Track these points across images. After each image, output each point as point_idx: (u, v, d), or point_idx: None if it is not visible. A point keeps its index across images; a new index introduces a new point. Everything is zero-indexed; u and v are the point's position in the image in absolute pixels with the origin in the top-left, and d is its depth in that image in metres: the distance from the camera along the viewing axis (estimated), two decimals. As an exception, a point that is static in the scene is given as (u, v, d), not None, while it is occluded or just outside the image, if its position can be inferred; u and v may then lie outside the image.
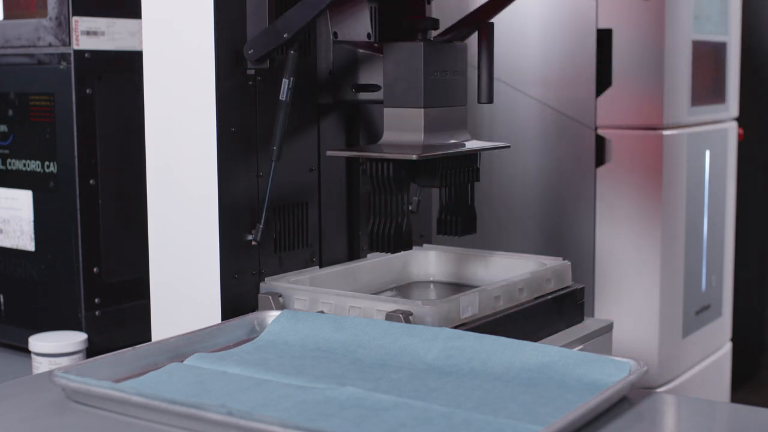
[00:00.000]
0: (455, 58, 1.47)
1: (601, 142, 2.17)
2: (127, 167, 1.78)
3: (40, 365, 1.66)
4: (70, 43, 1.74)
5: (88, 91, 1.75)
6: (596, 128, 2.16)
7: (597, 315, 2.15)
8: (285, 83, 1.40)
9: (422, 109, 1.41)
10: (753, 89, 2.97)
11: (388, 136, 1.44)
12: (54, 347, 1.66)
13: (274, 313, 1.32)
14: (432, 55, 1.42)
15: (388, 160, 1.40)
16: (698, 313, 2.33)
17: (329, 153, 1.46)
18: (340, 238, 1.62)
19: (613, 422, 1.00)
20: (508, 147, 1.55)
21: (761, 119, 3.17)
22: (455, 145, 1.46)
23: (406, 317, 1.29)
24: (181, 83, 1.43)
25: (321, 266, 1.57)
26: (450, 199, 1.51)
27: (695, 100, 2.25)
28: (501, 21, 1.51)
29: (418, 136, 1.42)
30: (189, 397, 1.02)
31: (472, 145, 1.48)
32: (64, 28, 1.74)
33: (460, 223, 1.51)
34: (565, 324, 1.53)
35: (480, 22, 1.45)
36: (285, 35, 1.38)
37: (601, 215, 2.16)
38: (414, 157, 1.36)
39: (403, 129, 1.43)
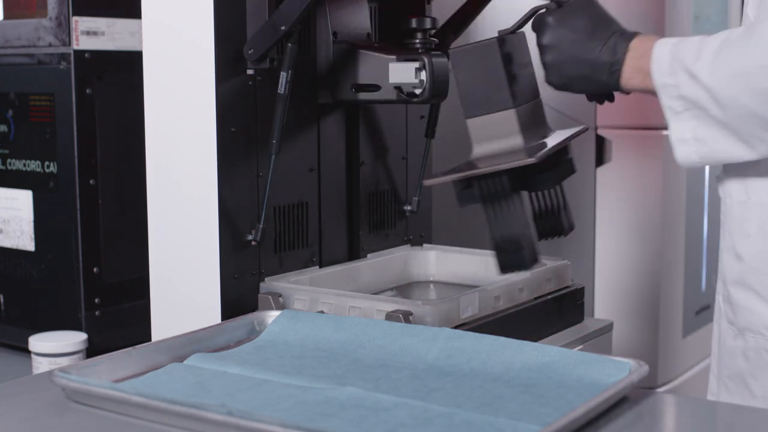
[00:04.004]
0: (522, 49, 1.38)
1: (601, 142, 2.17)
2: (127, 167, 1.78)
3: (40, 365, 1.66)
4: (70, 43, 1.73)
5: (88, 91, 1.75)
6: (596, 128, 2.16)
7: (597, 315, 2.15)
8: (283, 76, 1.40)
9: (514, 110, 1.32)
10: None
11: (480, 149, 1.33)
12: (54, 347, 1.66)
13: (274, 313, 1.32)
14: (506, 50, 1.33)
15: (501, 172, 1.29)
16: (698, 313, 2.33)
17: (427, 182, 1.38)
18: (340, 238, 1.62)
19: (613, 422, 1.00)
20: (587, 129, 1.48)
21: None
22: (552, 139, 1.36)
23: (406, 317, 1.29)
24: (181, 83, 1.43)
25: (321, 266, 1.57)
26: (541, 201, 1.40)
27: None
28: (500, 20, 1.51)
29: (517, 139, 1.32)
30: (189, 397, 1.02)
31: (560, 136, 1.39)
32: (64, 28, 1.74)
33: (559, 220, 1.40)
34: (565, 324, 1.53)
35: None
36: (282, 28, 1.38)
37: (601, 215, 2.16)
38: (532, 160, 1.26)
39: (495, 136, 1.32)
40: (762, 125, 1.16)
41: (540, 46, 1.29)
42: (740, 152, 1.20)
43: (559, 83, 1.30)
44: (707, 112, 1.19)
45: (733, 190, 1.29)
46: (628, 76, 1.26)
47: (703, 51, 1.19)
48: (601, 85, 1.28)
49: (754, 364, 1.26)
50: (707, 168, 2.35)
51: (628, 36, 1.27)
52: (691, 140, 1.22)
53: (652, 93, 1.25)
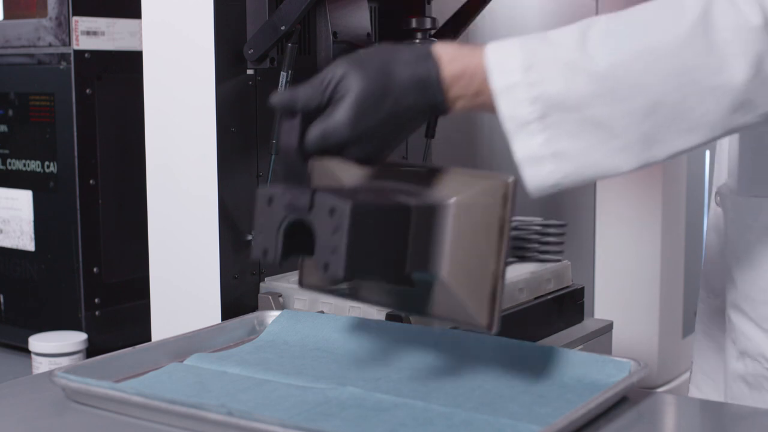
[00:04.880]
0: None
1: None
2: (127, 167, 1.78)
3: (40, 365, 1.66)
4: (70, 43, 1.74)
5: (88, 91, 1.75)
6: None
7: (597, 315, 2.15)
8: (283, 76, 1.41)
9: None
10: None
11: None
12: (54, 347, 1.66)
13: (274, 313, 1.32)
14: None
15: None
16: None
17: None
18: (340, 238, 1.62)
19: (613, 422, 1.00)
20: None
21: (761, 119, 3.16)
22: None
23: (407, 317, 1.29)
24: (181, 83, 1.43)
25: (321, 266, 1.56)
26: None
27: (695, 100, 2.24)
28: (501, 20, 1.51)
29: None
30: (189, 397, 1.02)
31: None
32: (64, 28, 1.74)
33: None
34: (565, 324, 1.53)
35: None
36: (283, 27, 1.39)
37: (601, 215, 2.16)
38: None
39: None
40: (670, 117, 0.93)
41: (343, 151, 1.01)
42: (619, 162, 0.95)
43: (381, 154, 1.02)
44: (580, 112, 0.94)
45: (729, 209, 1.22)
46: (455, 95, 0.98)
47: (588, 34, 0.95)
48: (425, 120, 1.02)
49: (755, 390, 1.20)
50: (707, 168, 2.35)
51: (423, 53, 0.98)
52: (548, 157, 0.97)
53: (477, 108, 0.99)
